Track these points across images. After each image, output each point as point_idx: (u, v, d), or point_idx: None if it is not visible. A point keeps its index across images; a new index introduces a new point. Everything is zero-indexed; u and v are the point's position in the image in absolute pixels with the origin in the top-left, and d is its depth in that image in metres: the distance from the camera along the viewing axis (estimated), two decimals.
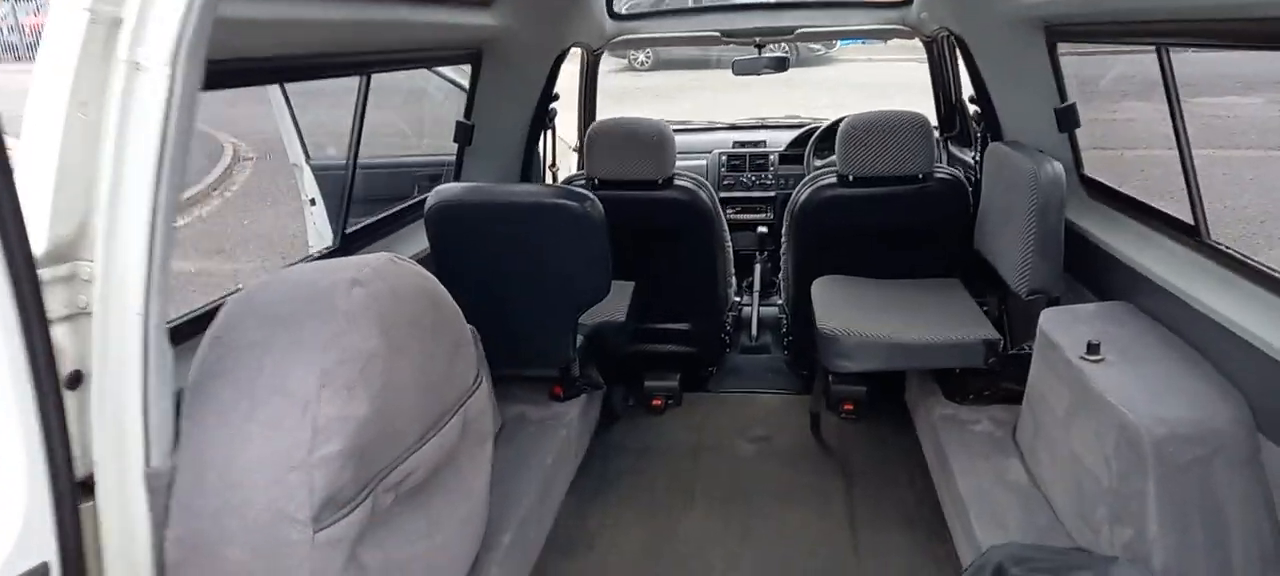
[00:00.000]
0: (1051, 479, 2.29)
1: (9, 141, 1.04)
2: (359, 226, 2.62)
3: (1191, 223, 2.21)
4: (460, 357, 1.94)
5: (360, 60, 2.21)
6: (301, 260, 2.14)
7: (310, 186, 4.29)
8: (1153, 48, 2.17)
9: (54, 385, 1.13)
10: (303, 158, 4.13)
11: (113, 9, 1.19)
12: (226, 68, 1.66)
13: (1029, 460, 2.49)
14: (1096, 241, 2.66)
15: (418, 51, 2.52)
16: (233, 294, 1.64)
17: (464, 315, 2.78)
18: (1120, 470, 1.93)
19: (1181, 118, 2.18)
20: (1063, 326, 2.36)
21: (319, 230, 4.25)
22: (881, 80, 11.47)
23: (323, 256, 2.32)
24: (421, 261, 2.78)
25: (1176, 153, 2.23)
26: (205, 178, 10.20)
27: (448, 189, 2.63)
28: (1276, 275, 1.88)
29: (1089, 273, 2.75)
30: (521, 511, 2.42)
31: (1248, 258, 1.99)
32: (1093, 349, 2.14)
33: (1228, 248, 2.09)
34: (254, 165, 10.57)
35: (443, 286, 1.89)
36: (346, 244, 2.45)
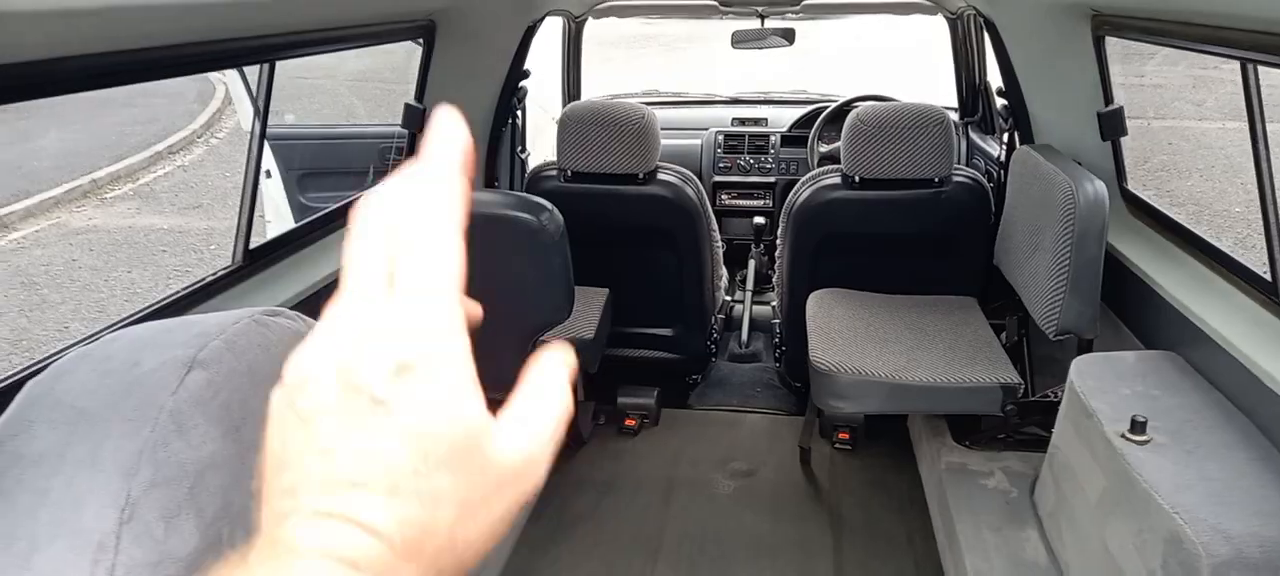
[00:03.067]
0: (1078, 573, 1.93)
1: None
2: (274, 237, 2.23)
3: (1268, 279, 1.81)
4: None
5: (260, 45, 1.81)
6: (155, 305, 1.75)
7: (265, 157, 3.92)
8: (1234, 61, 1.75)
9: None
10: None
11: None
12: (40, 71, 1.27)
13: (1050, 534, 2.13)
14: (1140, 273, 2.27)
15: (343, 30, 2.10)
16: (32, 371, 1.26)
17: None
18: None
19: (1266, 150, 1.77)
20: (1098, 384, 1.98)
21: (276, 205, 3.88)
22: (901, 43, 10.91)
23: (209, 286, 1.94)
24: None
25: (1256, 182, 1.81)
26: (191, 122, 9.82)
27: None
28: None
29: (1127, 307, 2.36)
30: None
31: None
32: (1137, 427, 1.77)
33: None
34: None
35: None
36: (252, 261, 2.06)
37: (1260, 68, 1.71)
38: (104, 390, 1.18)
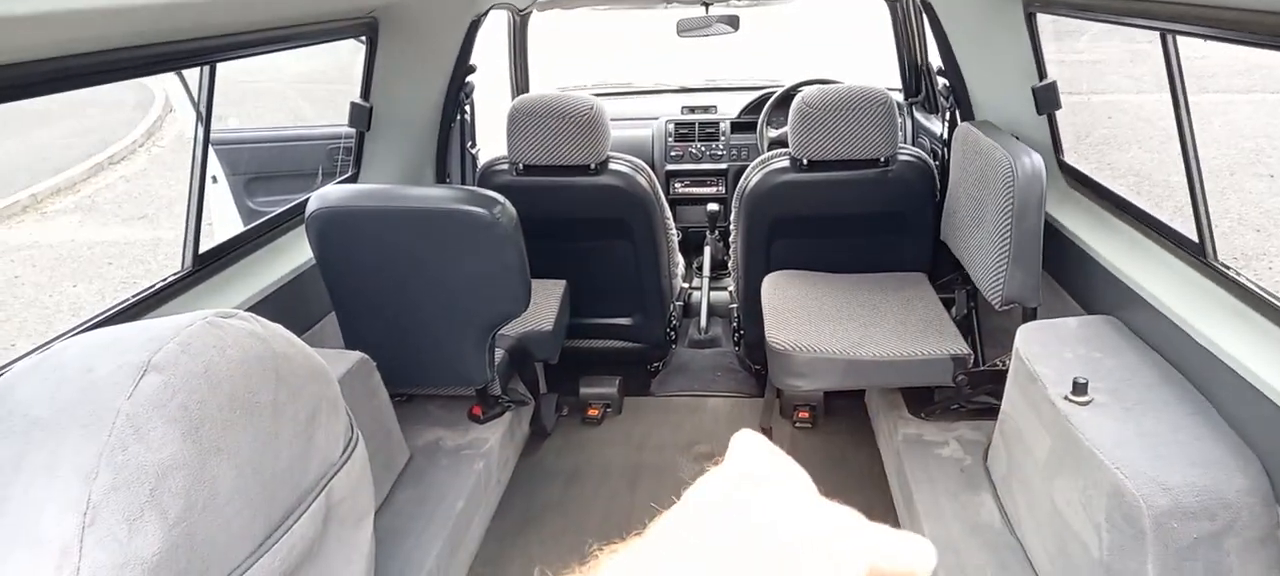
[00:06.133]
0: (1030, 531, 2.00)
1: None
2: (224, 241, 2.21)
3: (1195, 239, 1.89)
4: (320, 429, 1.56)
5: (199, 48, 1.79)
6: (106, 313, 1.74)
7: (210, 162, 3.86)
8: (1155, 32, 1.82)
9: None
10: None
11: None
12: None
13: (1003, 497, 2.20)
14: (1078, 242, 2.35)
15: (284, 29, 2.08)
16: None
17: (358, 334, 2.43)
18: (1113, 542, 1.63)
19: (1188, 118, 1.84)
20: (1042, 350, 2.05)
21: (223, 210, 3.83)
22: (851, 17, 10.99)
23: (159, 292, 1.92)
24: (307, 273, 2.40)
25: (1181, 157, 1.89)
26: (131, 131, 9.60)
27: (331, 192, 2.23)
28: None
29: (1068, 274, 2.44)
30: (425, 570, 2.09)
31: (1267, 291, 1.68)
32: (1079, 388, 1.83)
33: (1239, 274, 1.77)
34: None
35: (294, 340, 1.50)
36: (202, 265, 2.04)
37: (1180, 38, 1.78)
38: (58, 397, 1.18)
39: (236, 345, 1.35)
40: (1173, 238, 2.01)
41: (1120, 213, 2.29)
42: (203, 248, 2.11)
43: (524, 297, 2.36)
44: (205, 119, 1.99)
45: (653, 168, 3.49)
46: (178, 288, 1.97)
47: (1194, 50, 1.84)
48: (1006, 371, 2.21)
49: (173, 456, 1.17)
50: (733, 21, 3.75)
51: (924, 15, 2.97)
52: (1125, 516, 1.59)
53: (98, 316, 1.70)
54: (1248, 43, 1.55)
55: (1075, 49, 9.67)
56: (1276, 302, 1.64)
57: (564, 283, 3.00)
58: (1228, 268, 1.81)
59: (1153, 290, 1.97)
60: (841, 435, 2.95)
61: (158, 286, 1.92)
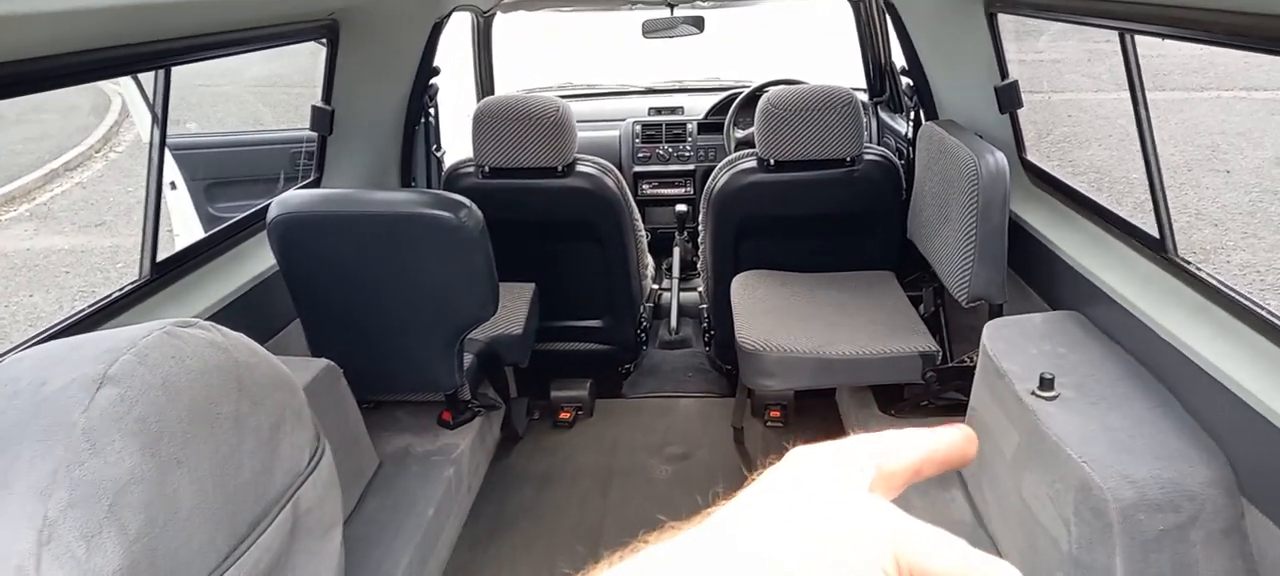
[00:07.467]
0: (1000, 526, 2.02)
1: None
2: (183, 249, 2.16)
3: (1156, 235, 1.92)
4: (285, 439, 1.53)
5: (154, 51, 1.74)
6: (60, 324, 1.69)
7: (169, 168, 3.79)
8: (1114, 31, 1.84)
9: None
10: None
11: None
12: None
13: (973, 493, 2.22)
14: (1042, 239, 2.37)
15: (241, 32, 2.04)
16: None
17: (324, 341, 2.39)
18: (1081, 536, 1.65)
19: (1147, 115, 1.87)
20: (1008, 346, 2.07)
21: (184, 217, 3.76)
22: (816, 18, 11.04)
23: (116, 302, 1.87)
24: (270, 280, 2.36)
25: (1141, 155, 1.91)
26: (87, 137, 9.40)
27: (293, 198, 2.19)
28: (1261, 310, 1.60)
29: (1031, 271, 2.47)
30: None
31: (1226, 285, 1.71)
32: (1046, 384, 1.85)
33: (1200, 268, 1.80)
34: None
35: (257, 349, 1.47)
36: (160, 273, 2.00)
37: (1138, 37, 1.81)
38: (11, 412, 1.14)
39: (196, 355, 1.31)
40: (1134, 233, 2.04)
41: (1082, 209, 2.32)
42: (161, 255, 2.07)
43: (492, 301, 2.34)
44: (161, 123, 1.94)
45: (620, 169, 3.48)
46: (135, 297, 1.92)
47: (1150, 49, 1.87)
48: (974, 368, 2.23)
49: (131, 471, 1.14)
50: (697, 22, 3.76)
51: (887, 15, 2.99)
52: (1093, 510, 1.61)
53: (52, 327, 1.66)
54: (1205, 41, 1.58)
55: (1036, 49, 9.83)
56: (1236, 296, 1.67)
57: (533, 286, 2.98)
58: (1188, 262, 1.84)
59: (1115, 286, 2.00)
60: (813, 433, 2.96)
61: (115, 296, 1.88)
